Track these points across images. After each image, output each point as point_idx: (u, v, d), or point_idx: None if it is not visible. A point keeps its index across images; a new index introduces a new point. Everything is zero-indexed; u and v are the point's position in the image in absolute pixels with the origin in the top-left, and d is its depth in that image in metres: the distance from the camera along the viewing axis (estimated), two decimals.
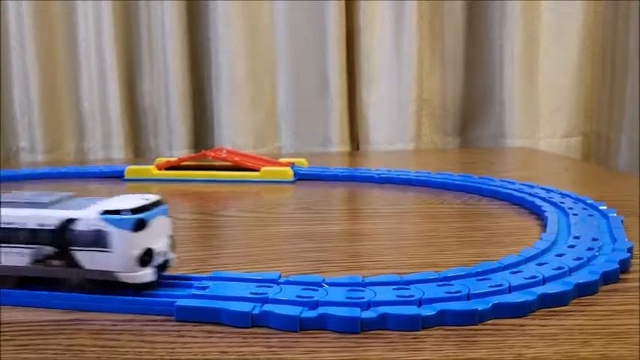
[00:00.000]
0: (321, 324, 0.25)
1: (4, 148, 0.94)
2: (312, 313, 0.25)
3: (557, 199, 0.46)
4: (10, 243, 0.28)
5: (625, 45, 0.91)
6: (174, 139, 0.94)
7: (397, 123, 0.95)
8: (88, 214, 0.27)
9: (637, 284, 0.30)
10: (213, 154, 0.68)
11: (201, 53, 0.96)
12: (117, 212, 0.27)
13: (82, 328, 0.26)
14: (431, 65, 0.97)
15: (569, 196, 0.46)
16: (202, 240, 0.43)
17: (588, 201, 0.44)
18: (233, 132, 0.94)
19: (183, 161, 0.67)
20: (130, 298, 0.27)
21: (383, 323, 0.25)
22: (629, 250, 0.33)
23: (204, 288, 0.27)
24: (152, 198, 0.29)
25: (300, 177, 0.63)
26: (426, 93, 0.97)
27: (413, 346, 0.24)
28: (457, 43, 0.98)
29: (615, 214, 0.40)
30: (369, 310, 0.25)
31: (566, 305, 0.27)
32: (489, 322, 0.25)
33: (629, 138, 0.91)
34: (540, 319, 0.26)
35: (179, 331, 0.25)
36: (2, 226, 0.28)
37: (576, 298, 0.28)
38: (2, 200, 0.29)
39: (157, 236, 0.28)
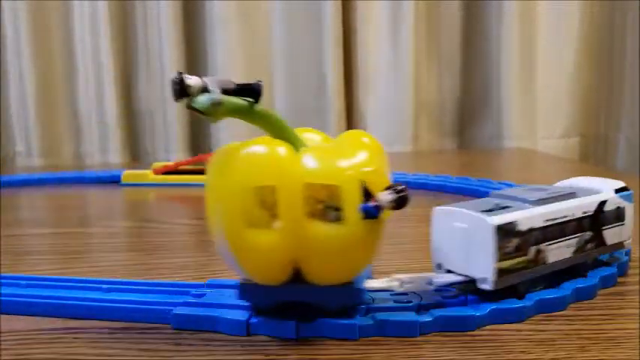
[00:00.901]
0: (319, 331, 0.25)
1: (0, 152, 0.94)
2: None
3: None
4: (559, 237, 0.28)
5: (622, 45, 0.91)
6: (171, 142, 0.94)
7: (395, 124, 0.95)
8: (609, 195, 0.31)
9: (635, 288, 0.30)
10: (210, 158, 0.68)
11: (197, 55, 0.96)
12: (627, 189, 0.32)
13: (79, 336, 0.26)
14: (428, 66, 0.97)
15: None
16: (199, 246, 0.43)
17: None
18: (230, 135, 0.94)
19: (180, 165, 0.67)
20: (127, 306, 0.27)
21: (381, 330, 0.25)
22: (627, 254, 0.33)
23: (201, 296, 0.27)
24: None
25: None
26: (424, 94, 0.97)
27: (411, 352, 0.24)
28: (454, 43, 0.98)
29: None
30: (367, 316, 0.25)
31: (563, 310, 0.27)
32: (487, 327, 0.25)
33: (627, 138, 0.91)
34: (538, 325, 0.26)
35: (176, 339, 0.25)
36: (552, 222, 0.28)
37: (574, 302, 0.28)
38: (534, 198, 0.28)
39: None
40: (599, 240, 0.30)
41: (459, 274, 0.26)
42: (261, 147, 0.25)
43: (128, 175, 0.66)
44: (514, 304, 0.26)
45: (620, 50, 0.92)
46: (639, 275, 0.31)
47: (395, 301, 0.26)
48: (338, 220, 0.23)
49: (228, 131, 0.94)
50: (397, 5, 0.93)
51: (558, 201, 0.29)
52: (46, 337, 0.26)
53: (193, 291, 0.28)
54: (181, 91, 0.24)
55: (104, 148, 0.94)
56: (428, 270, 0.33)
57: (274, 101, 0.96)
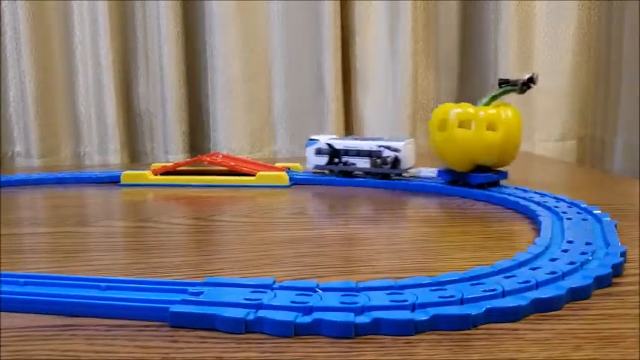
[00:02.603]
0: (316, 329, 0.25)
1: (0, 152, 0.94)
2: (307, 319, 0.25)
3: (551, 203, 0.46)
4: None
5: (619, 47, 0.92)
6: (170, 143, 0.94)
7: (392, 126, 0.95)
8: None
9: (630, 288, 0.30)
10: (208, 159, 0.68)
11: (196, 57, 0.97)
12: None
13: (77, 333, 0.26)
14: (426, 68, 0.98)
15: (564, 200, 0.47)
16: (197, 245, 0.43)
17: (582, 205, 0.45)
18: (229, 136, 0.94)
19: (178, 166, 0.67)
20: (124, 304, 0.27)
21: (377, 328, 0.25)
22: (623, 254, 0.33)
23: (198, 294, 0.27)
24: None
25: (296, 182, 0.63)
26: (421, 96, 0.97)
27: (406, 350, 0.24)
28: (452, 45, 0.98)
29: (609, 218, 0.41)
30: (363, 314, 0.25)
31: (559, 310, 0.27)
32: (483, 326, 0.26)
33: (623, 141, 0.91)
34: (533, 324, 0.26)
35: (173, 336, 0.25)
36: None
37: (569, 302, 0.28)
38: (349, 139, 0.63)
39: None
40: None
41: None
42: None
43: (127, 175, 0.66)
44: (510, 303, 0.26)
45: (616, 53, 0.93)
46: (639, 276, 0.32)
47: (391, 300, 0.26)
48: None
49: (225, 132, 0.94)
50: (395, 7, 0.93)
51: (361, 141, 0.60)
52: (44, 334, 0.26)
53: (191, 289, 0.28)
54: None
55: (103, 149, 0.94)
56: (425, 270, 0.33)
57: (273, 101, 0.97)
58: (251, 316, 0.25)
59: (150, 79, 0.96)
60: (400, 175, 0.60)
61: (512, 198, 0.49)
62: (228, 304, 0.26)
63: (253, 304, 0.26)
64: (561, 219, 0.41)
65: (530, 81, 0.51)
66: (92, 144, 0.94)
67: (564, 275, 0.30)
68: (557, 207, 0.44)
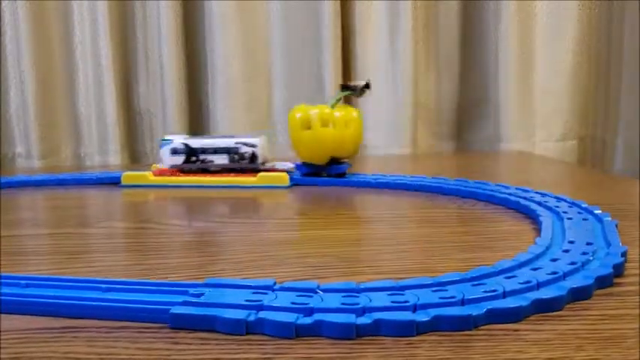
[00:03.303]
0: (317, 330, 0.25)
1: (0, 153, 0.95)
2: (308, 320, 0.25)
3: (552, 203, 0.46)
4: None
5: (620, 47, 0.92)
6: None
7: (393, 127, 0.95)
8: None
9: (631, 289, 0.30)
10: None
11: (196, 56, 0.97)
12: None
13: (78, 335, 0.26)
14: (426, 69, 0.98)
15: (564, 200, 0.47)
16: (198, 246, 0.43)
17: (583, 205, 0.45)
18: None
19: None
20: (125, 305, 0.27)
21: (378, 329, 0.25)
22: (624, 254, 0.33)
23: (199, 295, 0.27)
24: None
25: (297, 182, 0.63)
26: (422, 96, 0.97)
27: (407, 351, 0.24)
28: (452, 46, 0.98)
29: (610, 218, 0.41)
30: (364, 316, 0.25)
31: (560, 310, 0.27)
32: (484, 327, 0.26)
33: (624, 141, 0.91)
34: (534, 324, 0.26)
35: (174, 338, 0.25)
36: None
37: (570, 303, 0.28)
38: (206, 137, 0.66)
39: None
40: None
41: None
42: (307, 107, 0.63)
43: (128, 176, 0.66)
44: (511, 304, 0.26)
45: (617, 53, 0.93)
46: (639, 276, 0.32)
47: (392, 301, 0.26)
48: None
49: (225, 132, 0.94)
50: (395, 7, 0.93)
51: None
52: (45, 336, 0.26)
53: (192, 290, 0.28)
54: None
55: (104, 150, 0.94)
56: (426, 271, 0.33)
57: (273, 101, 0.97)
58: (252, 318, 0.25)
59: (150, 79, 0.96)
60: (257, 169, 0.65)
61: (513, 198, 0.49)
62: (229, 306, 0.26)
63: (254, 306, 0.26)
64: (562, 219, 0.41)
65: (367, 86, 0.62)
66: (92, 145, 0.94)
67: (565, 275, 0.30)
68: (557, 207, 0.44)
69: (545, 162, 0.85)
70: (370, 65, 0.95)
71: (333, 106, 0.62)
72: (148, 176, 0.65)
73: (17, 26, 0.90)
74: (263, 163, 0.65)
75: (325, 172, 0.63)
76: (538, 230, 0.40)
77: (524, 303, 0.26)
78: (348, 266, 0.36)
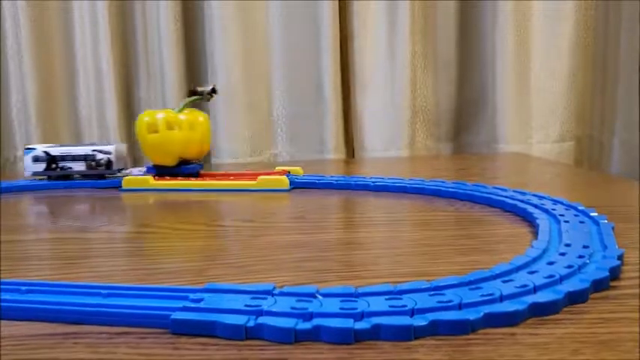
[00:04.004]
0: (316, 335, 0.25)
1: (1, 157, 0.95)
2: (307, 325, 0.25)
3: (548, 205, 0.46)
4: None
5: (616, 48, 0.92)
6: None
7: (391, 129, 0.95)
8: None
9: (627, 292, 0.30)
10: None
11: (196, 60, 0.97)
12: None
13: (78, 341, 0.26)
14: (424, 71, 0.98)
15: (561, 203, 0.47)
16: (198, 250, 0.43)
17: (580, 207, 0.45)
18: (229, 139, 0.94)
19: None
20: (126, 311, 0.27)
21: (376, 334, 0.25)
22: (620, 257, 0.33)
23: (199, 300, 0.28)
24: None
25: (296, 185, 0.63)
26: (420, 99, 0.98)
27: (405, 356, 0.24)
28: (450, 49, 0.99)
29: (606, 221, 0.41)
30: (363, 320, 0.26)
31: (557, 314, 0.27)
32: (481, 331, 0.26)
33: (621, 142, 0.92)
34: (531, 328, 0.26)
35: (174, 343, 0.25)
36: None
37: (567, 306, 0.28)
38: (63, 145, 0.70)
39: None
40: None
41: None
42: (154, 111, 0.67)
43: (129, 180, 0.66)
44: (508, 307, 0.27)
45: (613, 54, 0.93)
46: (637, 279, 0.32)
47: (390, 306, 0.27)
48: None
49: (225, 136, 0.94)
50: (393, 9, 0.94)
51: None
52: (45, 343, 0.26)
53: (191, 296, 0.28)
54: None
55: None
56: (424, 275, 0.34)
57: (272, 105, 0.97)
58: (251, 323, 0.26)
59: (150, 82, 0.96)
60: (114, 175, 0.69)
61: (510, 201, 0.49)
62: (229, 311, 0.26)
63: (254, 311, 0.26)
64: (559, 222, 0.41)
65: (213, 91, 0.67)
66: None
67: (562, 279, 0.30)
68: (554, 210, 0.44)
69: (543, 163, 0.85)
70: (368, 67, 0.95)
71: (180, 111, 0.66)
72: (149, 180, 0.66)
73: (18, 31, 0.91)
74: (120, 170, 0.69)
75: (178, 173, 0.67)
76: (535, 233, 0.41)
77: (521, 307, 0.27)
78: (348, 270, 0.36)
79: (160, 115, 0.65)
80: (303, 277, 0.34)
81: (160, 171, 0.67)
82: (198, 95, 0.67)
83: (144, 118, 0.65)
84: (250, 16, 0.94)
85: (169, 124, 0.64)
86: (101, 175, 0.69)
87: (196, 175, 0.68)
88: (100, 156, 0.67)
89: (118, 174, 0.69)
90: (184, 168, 0.66)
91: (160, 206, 0.61)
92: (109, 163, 0.68)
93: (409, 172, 0.79)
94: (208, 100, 0.67)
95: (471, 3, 0.97)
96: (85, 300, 0.29)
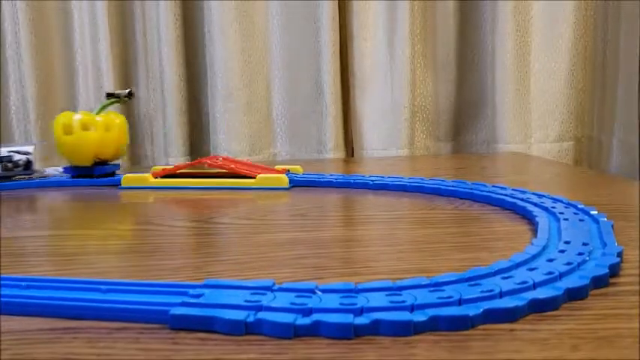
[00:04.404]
0: (315, 330, 0.25)
1: None
2: (306, 320, 0.25)
3: (548, 204, 0.46)
4: None
5: (616, 48, 0.92)
6: (170, 146, 0.95)
7: (391, 128, 0.96)
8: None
9: (627, 288, 0.30)
10: (208, 161, 0.68)
11: (196, 60, 0.97)
12: None
13: (78, 336, 0.26)
14: (423, 70, 0.98)
15: (561, 201, 0.47)
16: (197, 247, 0.43)
17: (579, 206, 0.45)
18: (229, 138, 0.94)
19: (179, 169, 0.68)
20: (125, 306, 0.27)
21: (376, 329, 0.25)
22: (619, 254, 0.33)
23: (198, 296, 0.28)
24: None
25: (296, 184, 0.63)
26: (419, 98, 0.98)
27: (405, 351, 0.24)
28: (449, 48, 0.99)
29: (606, 219, 0.41)
30: (362, 316, 0.26)
31: (556, 310, 0.27)
32: (480, 327, 0.26)
33: (620, 141, 0.92)
34: (531, 324, 0.26)
35: (174, 338, 0.25)
36: None
37: (566, 302, 0.28)
38: None
39: None
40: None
41: None
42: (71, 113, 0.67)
43: (128, 178, 0.66)
44: (508, 304, 0.27)
45: (613, 54, 0.93)
46: (637, 276, 0.32)
47: (390, 301, 0.27)
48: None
49: (225, 135, 0.94)
50: (393, 10, 0.94)
51: None
52: (45, 337, 0.26)
53: (191, 291, 0.28)
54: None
55: None
56: (424, 271, 0.34)
57: (272, 104, 0.97)
58: (251, 318, 0.26)
59: (150, 82, 0.96)
60: (31, 175, 0.70)
61: (509, 199, 0.49)
62: (228, 306, 0.26)
63: (253, 306, 0.26)
64: (558, 220, 0.41)
65: (130, 94, 0.70)
66: None
67: (561, 276, 0.30)
68: (554, 208, 0.44)
69: (542, 163, 0.85)
70: (368, 67, 0.95)
71: (98, 113, 0.68)
72: (148, 178, 0.66)
73: (17, 31, 0.91)
74: (38, 170, 0.71)
75: (95, 173, 0.68)
76: (534, 231, 0.41)
77: (520, 303, 0.27)
78: (346, 267, 0.36)
79: (76, 117, 0.66)
80: (303, 274, 0.34)
81: (76, 171, 0.68)
82: (115, 98, 0.69)
83: (60, 120, 0.66)
84: (250, 15, 0.94)
85: (85, 125, 0.66)
86: (16, 175, 0.69)
87: (112, 175, 0.69)
88: (17, 157, 0.67)
89: (35, 175, 0.70)
90: (99, 169, 0.68)
91: (159, 204, 0.61)
92: (28, 163, 0.68)
93: (409, 171, 0.79)
94: (125, 102, 0.71)
95: (471, 3, 0.97)
96: (84, 295, 0.29)
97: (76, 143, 0.66)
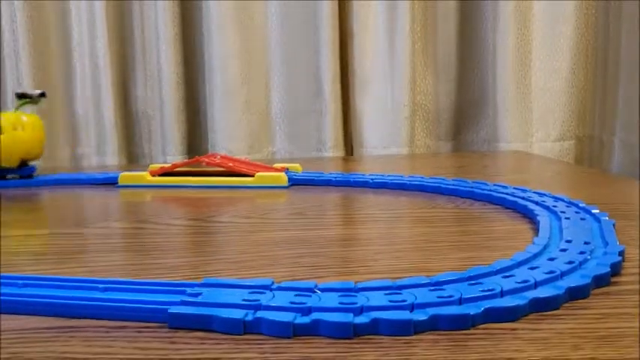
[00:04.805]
0: (314, 330, 0.25)
1: None
2: (306, 319, 0.25)
3: (549, 202, 0.46)
4: None
5: (617, 47, 0.92)
6: (168, 145, 0.94)
7: (391, 127, 0.95)
8: None
9: (628, 287, 0.30)
10: (206, 160, 0.68)
11: (194, 58, 0.97)
12: None
13: (75, 335, 0.26)
14: (424, 70, 0.98)
15: (562, 200, 0.47)
16: (195, 246, 0.43)
17: (581, 204, 0.45)
18: (227, 137, 0.94)
19: (177, 167, 0.67)
20: (123, 305, 0.27)
21: (375, 328, 0.25)
22: (621, 253, 0.33)
23: (196, 295, 0.27)
24: None
25: (295, 182, 0.63)
26: (420, 97, 0.97)
27: (405, 350, 0.24)
28: (450, 47, 0.98)
29: (607, 218, 0.41)
30: (362, 315, 0.25)
31: (557, 309, 0.27)
32: (481, 326, 0.26)
33: (621, 141, 0.91)
34: (532, 323, 0.26)
35: (172, 337, 0.25)
36: None
37: (568, 302, 0.28)
38: None
39: None
40: None
41: None
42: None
43: (125, 176, 0.66)
44: (509, 303, 0.26)
45: (614, 53, 0.93)
46: (637, 275, 0.32)
47: (389, 300, 0.26)
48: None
49: (223, 134, 0.94)
50: (393, 8, 0.93)
51: None
52: (42, 336, 0.26)
53: (189, 290, 0.28)
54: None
55: (101, 150, 0.94)
56: (424, 270, 0.34)
57: (271, 103, 0.97)
58: (249, 317, 0.25)
59: (148, 80, 0.96)
60: None
61: (510, 198, 0.49)
62: (227, 305, 0.26)
63: (252, 305, 0.26)
64: (560, 218, 0.41)
65: (42, 95, 0.69)
66: (90, 146, 0.94)
67: (563, 275, 0.30)
68: (555, 207, 0.44)
69: (543, 162, 0.85)
70: (368, 66, 0.95)
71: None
72: (145, 176, 0.65)
73: (15, 28, 0.90)
74: None
75: (18, 175, 0.67)
76: (536, 230, 0.40)
77: (521, 302, 0.27)
78: (346, 266, 0.36)
79: (4, 118, 0.65)
80: (302, 273, 0.34)
81: (0, 172, 0.67)
82: (27, 98, 0.68)
83: None
84: (249, 14, 0.94)
85: (14, 125, 0.65)
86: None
87: (31, 176, 0.68)
88: None
89: None
90: (25, 169, 0.67)
91: (156, 202, 0.60)
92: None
93: (409, 169, 0.79)
94: (37, 103, 0.69)
95: (470, 3, 0.97)
96: (82, 294, 0.28)
97: (7, 144, 0.65)
